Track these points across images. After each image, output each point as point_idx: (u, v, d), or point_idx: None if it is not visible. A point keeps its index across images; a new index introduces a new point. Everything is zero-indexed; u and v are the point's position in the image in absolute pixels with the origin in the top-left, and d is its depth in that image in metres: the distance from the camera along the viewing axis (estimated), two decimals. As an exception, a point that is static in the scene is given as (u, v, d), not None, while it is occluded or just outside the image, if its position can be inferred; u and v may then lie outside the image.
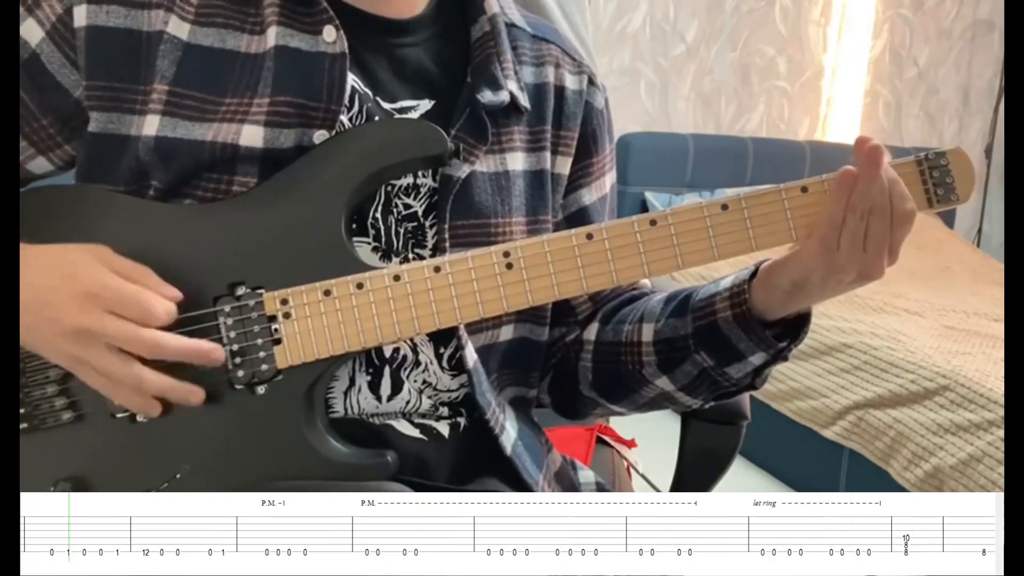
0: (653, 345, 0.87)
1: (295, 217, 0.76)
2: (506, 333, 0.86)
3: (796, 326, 0.82)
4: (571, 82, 0.92)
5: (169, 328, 0.73)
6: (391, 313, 0.76)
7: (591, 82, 0.94)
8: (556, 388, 0.97)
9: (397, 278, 0.76)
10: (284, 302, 0.75)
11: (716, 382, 0.86)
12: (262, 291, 0.75)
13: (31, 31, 0.78)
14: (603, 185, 0.95)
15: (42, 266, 0.71)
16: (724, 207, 0.77)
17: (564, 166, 0.91)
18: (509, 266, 0.77)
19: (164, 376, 0.72)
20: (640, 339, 0.88)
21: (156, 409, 0.73)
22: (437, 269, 0.76)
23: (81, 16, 0.77)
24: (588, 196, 0.93)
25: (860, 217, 0.73)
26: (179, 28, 0.77)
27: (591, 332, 0.93)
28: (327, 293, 0.75)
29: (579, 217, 0.93)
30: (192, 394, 0.73)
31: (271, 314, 0.75)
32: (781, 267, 0.78)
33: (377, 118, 0.80)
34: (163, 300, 0.72)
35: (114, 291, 0.70)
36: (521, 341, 0.88)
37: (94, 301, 0.70)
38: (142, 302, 0.71)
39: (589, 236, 0.77)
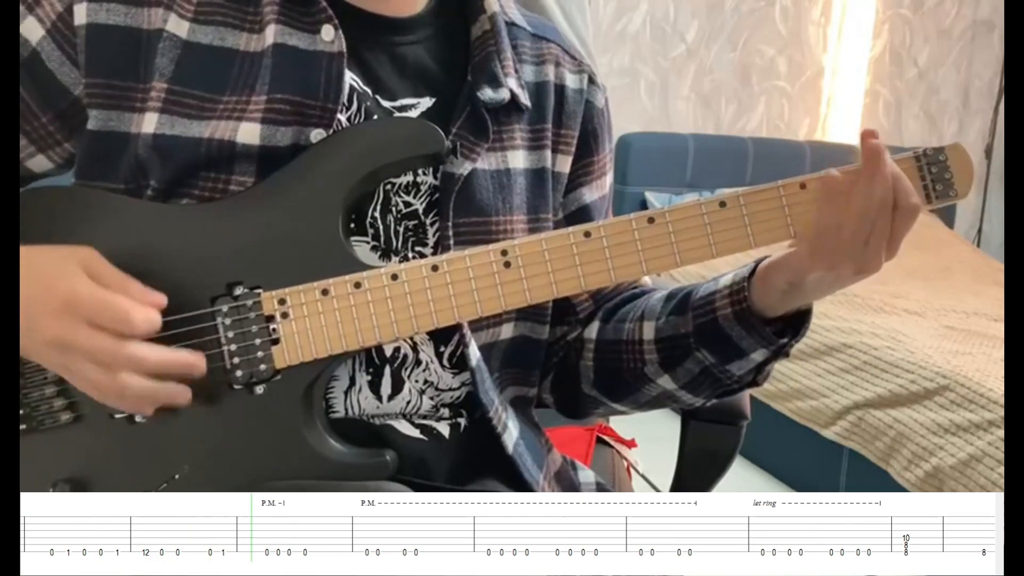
0: (655, 343, 0.87)
1: (292, 216, 0.76)
2: (507, 331, 0.86)
3: (797, 322, 0.82)
4: (571, 81, 0.92)
5: (167, 329, 0.72)
6: (389, 312, 0.75)
7: (591, 81, 0.94)
8: (558, 387, 0.97)
9: (395, 277, 0.76)
10: (282, 302, 0.75)
11: (718, 380, 0.86)
12: (260, 291, 0.75)
13: (31, 29, 0.78)
14: (603, 184, 0.96)
15: (24, 275, 0.70)
16: (722, 204, 0.76)
17: (564, 165, 0.91)
18: (507, 264, 0.76)
19: (146, 382, 0.70)
20: (641, 337, 0.88)
21: (147, 411, 0.73)
22: (435, 268, 0.76)
23: (81, 14, 0.77)
24: (589, 195, 0.94)
25: (862, 217, 0.72)
26: (178, 26, 0.77)
27: (592, 331, 0.93)
28: (325, 292, 0.75)
29: (580, 215, 0.93)
30: (179, 395, 0.72)
31: (269, 314, 0.75)
32: (775, 269, 0.78)
33: (376, 117, 0.80)
34: (143, 308, 0.70)
35: (89, 300, 0.69)
36: (522, 340, 0.88)
37: (70, 311, 0.68)
38: (119, 311, 0.69)
39: (587, 234, 0.77)
